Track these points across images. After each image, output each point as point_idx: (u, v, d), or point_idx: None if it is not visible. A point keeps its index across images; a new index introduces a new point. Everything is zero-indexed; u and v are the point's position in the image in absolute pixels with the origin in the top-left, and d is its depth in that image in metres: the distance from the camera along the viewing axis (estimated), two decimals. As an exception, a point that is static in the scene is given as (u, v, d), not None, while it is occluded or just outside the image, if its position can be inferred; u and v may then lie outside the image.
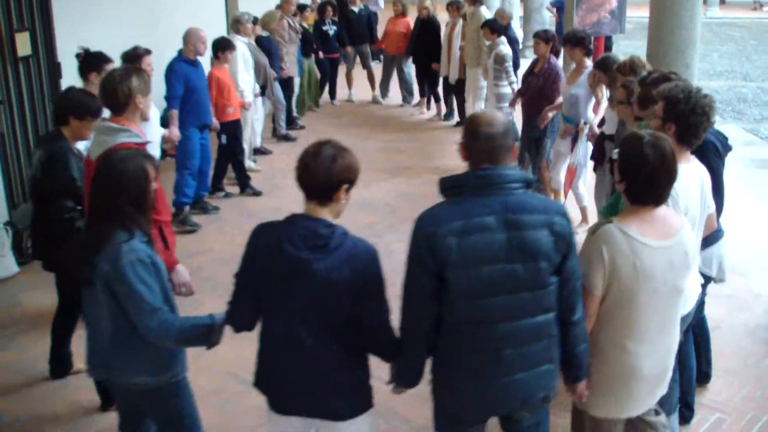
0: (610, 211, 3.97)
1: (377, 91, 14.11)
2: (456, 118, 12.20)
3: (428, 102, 13.14)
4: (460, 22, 11.45)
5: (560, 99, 7.80)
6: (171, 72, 7.91)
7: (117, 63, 6.89)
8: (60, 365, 5.14)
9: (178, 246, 4.68)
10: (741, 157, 10.13)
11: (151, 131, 5.78)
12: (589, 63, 7.47)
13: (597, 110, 7.29)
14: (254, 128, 10.05)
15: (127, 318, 3.20)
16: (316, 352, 2.94)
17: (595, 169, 6.69)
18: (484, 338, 2.93)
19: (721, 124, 11.07)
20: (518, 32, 16.34)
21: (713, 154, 4.33)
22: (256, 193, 8.98)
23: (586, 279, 3.16)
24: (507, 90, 9.25)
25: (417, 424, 4.56)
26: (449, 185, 3.01)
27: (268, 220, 3.07)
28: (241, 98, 9.02)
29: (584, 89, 7.33)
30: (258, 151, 10.49)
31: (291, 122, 11.78)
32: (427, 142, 11.47)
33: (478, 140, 2.95)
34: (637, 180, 3.20)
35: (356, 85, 14.28)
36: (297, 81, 11.95)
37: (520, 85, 8.90)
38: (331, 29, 13.19)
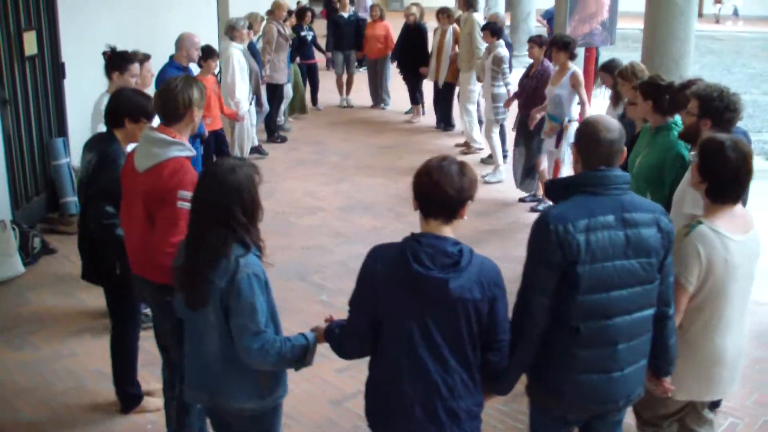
0: None
1: (350, 96, 14.27)
2: (455, 125, 12.26)
3: (416, 105, 13.23)
4: (451, 28, 11.61)
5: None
6: (162, 79, 7.50)
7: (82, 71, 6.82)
8: (131, 395, 4.77)
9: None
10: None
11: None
12: (571, 65, 7.99)
13: (582, 110, 7.88)
14: (250, 134, 9.97)
15: None
16: (443, 379, 2.85)
17: None
18: (603, 333, 3.05)
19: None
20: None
21: None
22: None
23: (682, 276, 3.39)
24: (502, 90, 9.54)
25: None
26: (565, 185, 3.16)
27: (383, 243, 2.98)
28: (234, 108, 8.99)
29: (567, 90, 7.86)
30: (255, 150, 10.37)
31: (272, 132, 11.55)
32: (421, 144, 11.56)
33: (600, 145, 3.06)
34: (721, 181, 3.45)
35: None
36: (287, 88, 11.87)
37: (515, 87, 9.33)
38: (309, 35, 13.19)
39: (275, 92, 11.31)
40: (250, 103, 9.63)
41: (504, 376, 3.05)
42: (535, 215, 8.06)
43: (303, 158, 10.48)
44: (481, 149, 11.04)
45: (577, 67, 8.13)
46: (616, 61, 7.06)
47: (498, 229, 8.09)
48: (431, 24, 12.66)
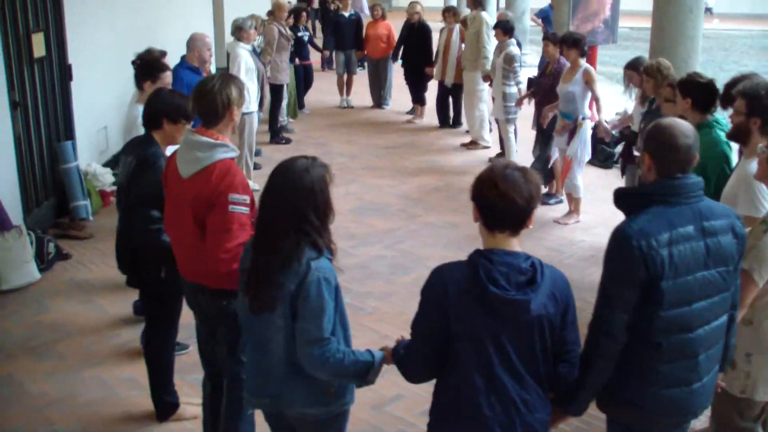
0: None
1: (350, 97, 14.17)
2: (464, 124, 12.18)
3: (418, 104, 13.17)
4: (457, 27, 11.59)
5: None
6: (174, 80, 7.18)
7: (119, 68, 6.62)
8: (168, 404, 4.63)
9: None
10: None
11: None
12: (582, 63, 7.96)
13: (597, 107, 7.99)
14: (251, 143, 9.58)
15: None
16: (520, 395, 2.74)
17: (624, 168, 7.16)
18: (685, 346, 2.95)
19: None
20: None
21: None
22: None
23: (756, 272, 3.33)
24: (514, 90, 9.52)
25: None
26: (640, 196, 3.02)
27: (446, 263, 2.83)
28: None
29: (580, 87, 7.82)
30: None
31: (276, 134, 11.45)
32: (426, 145, 11.53)
33: (677, 152, 2.91)
34: None
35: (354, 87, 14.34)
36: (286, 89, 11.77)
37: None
38: (305, 35, 13.10)
39: (278, 93, 11.24)
40: (259, 107, 9.48)
41: (578, 395, 2.95)
42: (546, 209, 8.39)
43: (309, 160, 10.36)
44: (488, 147, 11.01)
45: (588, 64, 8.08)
46: (641, 59, 7.10)
47: (547, 223, 8.08)
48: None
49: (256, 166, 9.63)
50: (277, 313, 3.01)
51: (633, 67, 7.06)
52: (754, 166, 3.75)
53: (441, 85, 12.06)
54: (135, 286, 4.66)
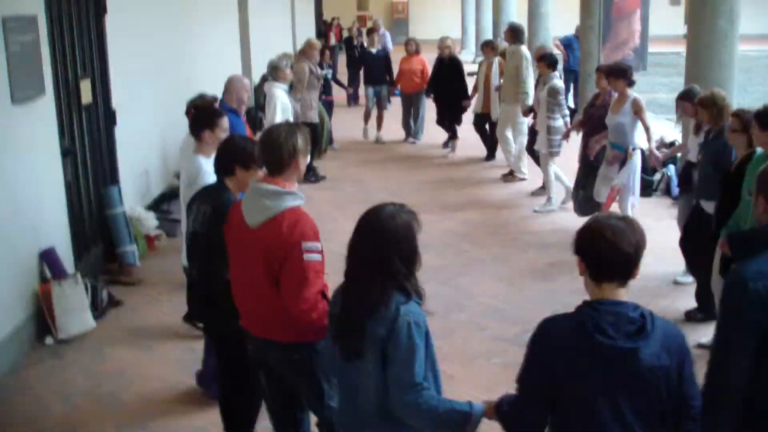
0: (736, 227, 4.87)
1: (381, 133, 14.22)
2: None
3: (454, 139, 13.19)
4: (496, 60, 11.71)
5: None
6: None
7: (155, 119, 6.65)
8: None
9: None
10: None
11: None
12: (630, 93, 7.90)
13: (647, 136, 7.93)
14: None
15: None
16: None
17: (680, 196, 7.25)
18: None
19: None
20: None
21: None
22: None
23: None
24: (560, 123, 9.45)
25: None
26: (757, 239, 2.99)
27: (551, 315, 2.83)
28: None
29: (629, 117, 7.81)
30: None
31: (307, 171, 11.33)
32: (462, 178, 11.54)
33: None
34: None
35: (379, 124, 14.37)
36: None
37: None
38: (328, 72, 13.22)
39: (314, 132, 11.20)
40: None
41: None
42: None
43: (348, 198, 10.36)
44: (524, 179, 11.00)
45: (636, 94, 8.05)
46: (695, 89, 7.10)
47: (565, 261, 7.95)
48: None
49: None
50: (368, 359, 2.98)
51: (686, 97, 7.06)
52: None
53: (477, 118, 12.11)
54: (213, 333, 4.63)
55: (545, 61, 9.63)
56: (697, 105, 6.35)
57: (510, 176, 11.18)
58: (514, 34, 11.04)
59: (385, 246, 2.99)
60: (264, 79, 10.09)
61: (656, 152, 8.11)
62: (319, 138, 12.13)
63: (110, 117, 8.07)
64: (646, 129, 7.90)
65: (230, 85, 7.61)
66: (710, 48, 9.53)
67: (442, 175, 11.74)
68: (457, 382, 5.35)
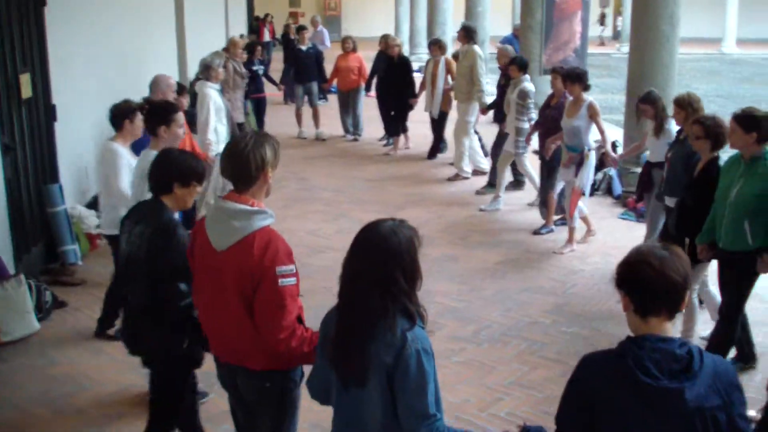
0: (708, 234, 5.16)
1: (321, 129, 14.20)
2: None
3: (396, 137, 13.25)
4: (443, 59, 11.83)
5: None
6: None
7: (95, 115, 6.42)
8: None
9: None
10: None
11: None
12: (586, 97, 8.08)
13: (602, 139, 8.20)
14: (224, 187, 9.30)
15: None
16: None
17: (640, 198, 7.42)
18: None
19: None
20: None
21: None
22: None
23: None
24: (526, 125, 9.46)
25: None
26: None
27: (593, 351, 2.68)
28: (205, 151, 8.30)
29: (584, 121, 8.00)
30: None
31: None
32: (407, 176, 11.56)
33: None
34: None
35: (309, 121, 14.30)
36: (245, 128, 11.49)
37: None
38: (260, 69, 13.09)
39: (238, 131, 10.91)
40: None
41: None
42: (540, 240, 8.40)
43: (293, 196, 10.24)
44: (467, 178, 11.09)
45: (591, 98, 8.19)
46: (654, 93, 7.30)
47: (514, 259, 8.02)
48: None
49: None
50: (372, 387, 2.81)
51: (647, 100, 7.23)
52: None
53: (430, 115, 12.26)
54: (155, 365, 4.23)
55: (516, 63, 9.67)
56: (674, 104, 6.50)
57: (455, 177, 11.28)
58: (468, 33, 11.14)
59: (389, 263, 2.79)
60: (197, 78, 9.66)
61: (612, 153, 8.31)
62: None
63: (50, 112, 7.80)
64: (601, 132, 8.09)
65: (156, 85, 7.39)
66: (652, 50, 9.76)
67: (387, 173, 11.75)
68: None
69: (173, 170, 3.97)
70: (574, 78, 8.06)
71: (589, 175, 8.11)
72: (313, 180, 11.11)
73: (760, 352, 5.79)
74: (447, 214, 9.56)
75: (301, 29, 14.81)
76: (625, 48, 30.47)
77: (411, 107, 12.74)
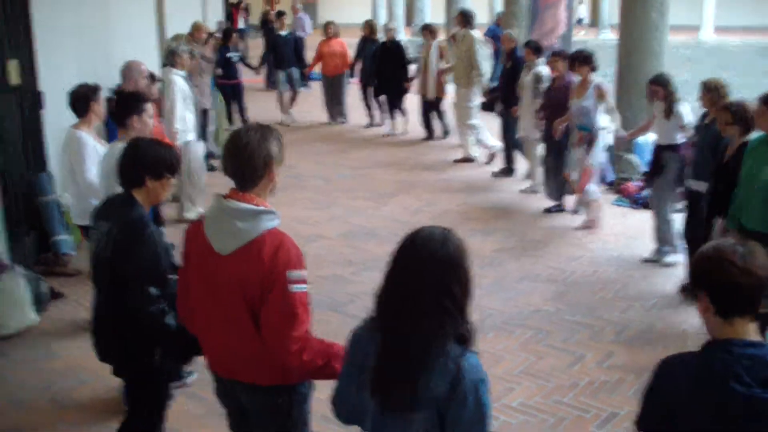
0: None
1: (293, 113, 14.24)
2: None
3: (390, 118, 13.45)
4: (435, 43, 12.02)
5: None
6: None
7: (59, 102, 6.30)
8: None
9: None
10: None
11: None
12: (593, 78, 8.22)
13: (614, 117, 8.25)
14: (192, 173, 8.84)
15: None
16: None
17: (651, 179, 7.48)
18: None
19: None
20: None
21: None
22: None
23: None
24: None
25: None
26: None
27: (671, 356, 2.51)
28: (173, 139, 8.05)
29: (592, 101, 8.14)
30: None
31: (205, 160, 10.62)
32: (397, 162, 11.51)
33: None
34: None
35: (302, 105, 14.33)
36: (212, 114, 11.38)
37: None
38: (234, 55, 12.97)
39: (204, 118, 10.69)
40: (199, 137, 8.91)
41: None
42: (551, 221, 8.50)
43: (281, 184, 10.06)
44: (472, 160, 11.32)
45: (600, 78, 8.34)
46: (665, 75, 7.38)
47: (510, 247, 7.99)
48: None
49: None
50: (419, 414, 2.52)
51: (658, 82, 7.28)
52: None
53: (424, 99, 12.37)
54: (125, 375, 3.97)
55: (531, 47, 9.68)
56: (701, 88, 6.55)
57: (463, 162, 11.40)
58: (465, 18, 11.21)
59: (446, 275, 2.50)
60: (162, 65, 9.40)
61: (622, 132, 8.36)
62: (216, 123, 11.59)
63: (37, 100, 7.61)
64: (611, 111, 8.18)
65: (128, 71, 7.21)
66: (642, 39, 9.76)
67: (374, 159, 11.70)
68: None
69: (144, 162, 3.69)
70: (581, 60, 8.19)
71: (600, 153, 8.22)
72: (302, 168, 10.99)
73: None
74: (438, 201, 9.51)
75: (280, 15, 14.81)
76: (604, 35, 30.93)
77: (406, 90, 12.94)
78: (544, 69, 9.49)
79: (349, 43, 14.40)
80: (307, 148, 12.38)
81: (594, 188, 8.39)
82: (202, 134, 10.55)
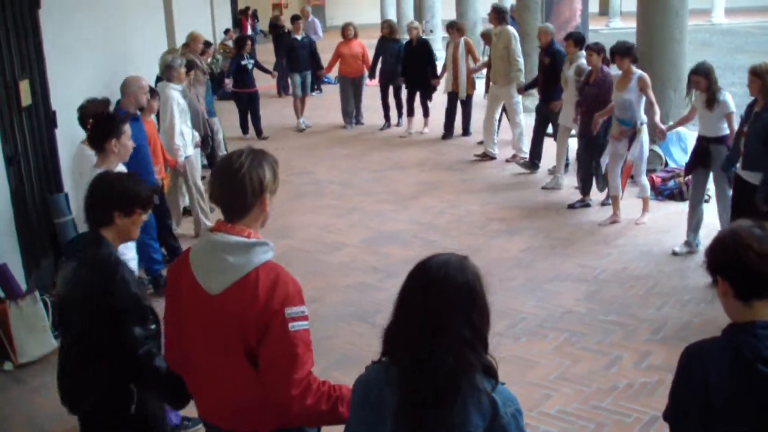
0: None
1: (305, 118, 14.07)
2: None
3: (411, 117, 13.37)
4: (462, 41, 12.05)
5: (610, 105, 8.29)
6: None
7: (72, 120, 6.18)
8: None
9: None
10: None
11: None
12: (635, 70, 8.05)
13: (652, 111, 8.00)
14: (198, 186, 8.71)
15: None
16: None
17: (688, 172, 7.37)
18: None
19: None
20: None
21: None
22: None
23: None
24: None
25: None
26: None
27: (695, 343, 2.47)
28: (174, 156, 7.98)
29: (635, 93, 7.97)
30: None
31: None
32: (413, 163, 11.36)
33: None
34: None
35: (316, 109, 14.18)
36: (216, 121, 11.15)
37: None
38: (249, 63, 12.87)
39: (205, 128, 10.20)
40: (195, 146, 8.66)
41: None
42: (579, 217, 8.34)
43: (300, 191, 9.95)
44: (493, 157, 11.28)
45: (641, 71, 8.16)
46: (706, 64, 7.17)
47: (536, 246, 7.79)
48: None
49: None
50: None
51: (700, 72, 7.09)
52: None
53: (451, 96, 12.34)
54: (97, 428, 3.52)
55: (573, 38, 9.51)
56: (750, 73, 6.29)
57: (482, 157, 11.29)
58: (499, 15, 11.05)
59: (466, 304, 2.30)
60: (158, 79, 9.07)
61: (660, 125, 8.13)
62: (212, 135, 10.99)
63: (50, 119, 7.50)
64: (651, 104, 7.99)
65: (127, 87, 7.03)
66: (662, 26, 9.54)
67: (392, 161, 11.52)
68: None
69: (112, 197, 3.41)
70: (623, 52, 7.98)
71: (643, 149, 8.06)
72: (319, 173, 10.84)
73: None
74: (460, 202, 9.33)
75: (295, 19, 14.77)
76: (614, 23, 30.61)
77: (434, 88, 12.91)
78: (585, 62, 9.25)
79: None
80: (324, 152, 12.23)
81: (645, 183, 8.30)
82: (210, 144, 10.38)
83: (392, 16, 28.21)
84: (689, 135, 10.10)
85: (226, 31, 20.99)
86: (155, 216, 6.87)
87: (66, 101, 7.78)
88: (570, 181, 9.59)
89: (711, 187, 7.36)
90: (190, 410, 3.51)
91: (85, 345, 3.30)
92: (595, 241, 7.89)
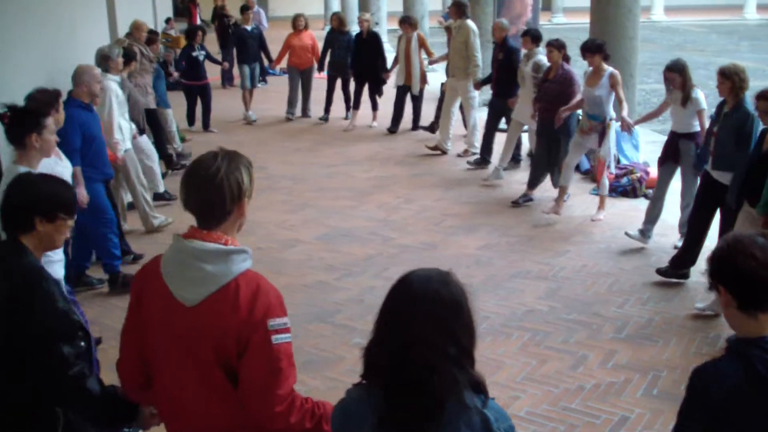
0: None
1: (251, 111, 13.84)
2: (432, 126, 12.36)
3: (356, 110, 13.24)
4: (415, 35, 11.93)
5: (575, 100, 8.37)
6: (67, 121, 6.14)
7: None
8: None
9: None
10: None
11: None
12: (607, 67, 8.08)
13: (620, 107, 8.00)
14: (154, 170, 8.86)
15: None
16: None
17: (662, 165, 7.39)
18: None
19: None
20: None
21: None
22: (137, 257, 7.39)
23: None
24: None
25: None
26: None
27: (705, 363, 2.41)
28: (114, 151, 7.63)
29: (606, 90, 8.00)
30: (160, 197, 9.06)
31: (170, 162, 10.44)
32: (369, 157, 11.22)
33: None
34: None
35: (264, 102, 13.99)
36: (170, 113, 11.02)
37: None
38: (200, 54, 12.60)
39: (152, 118, 10.11)
40: (134, 137, 8.36)
41: None
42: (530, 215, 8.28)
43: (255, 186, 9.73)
44: (445, 152, 11.22)
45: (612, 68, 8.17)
46: (680, 61, 7.21)
47: (495, 243, 7.75)
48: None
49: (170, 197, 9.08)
50: None
51: (674, 69, 7.13)
52: None
53: (400, 90, 12.26)
54: None
55: (530, 35, 9.41)
56: (719, 75, 6.32)
57: (434, 150, 11.23)
58: (459, 9, 10.93)
59: (450, 319, 2.18)
60: None
61: (627, 119, 8.07)
62: (163, 124, 10.84)
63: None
64: (620, 101, 8.00)
65: (79, 76, 6.74)
66: (616, 23, 9.59)
67: (346, 156, 11.36)
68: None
69: (32, 201, 3.08)
70: (594, 49, 8.00)
71: (611, 144, 8.10)
72: (271, 168, 10.58)
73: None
74: (415, 197, 9.24)
75: (245, 9, 14.56)
76: (558, 18, 30.92)
77: (384, 82, 12.79)
78: (543, 58, 9.24)
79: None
80: (275, 146, 11.98)
81: (606, 181, 8.32)
82: (156, 135, 10.16)
83: (336, 7, 28.03)
84: (641, 132, 10.22)
85: (168, 20, 20.50)
86: None
87: (5, 96, 7.44)
88: (520, 177, 9.61)
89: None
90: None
91: (4, 366, 2.99)
92: (552, 237, 7.88)
